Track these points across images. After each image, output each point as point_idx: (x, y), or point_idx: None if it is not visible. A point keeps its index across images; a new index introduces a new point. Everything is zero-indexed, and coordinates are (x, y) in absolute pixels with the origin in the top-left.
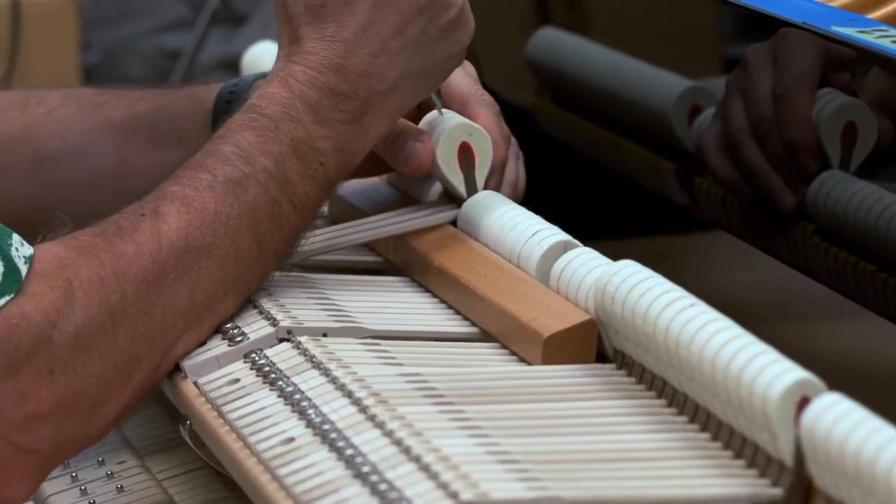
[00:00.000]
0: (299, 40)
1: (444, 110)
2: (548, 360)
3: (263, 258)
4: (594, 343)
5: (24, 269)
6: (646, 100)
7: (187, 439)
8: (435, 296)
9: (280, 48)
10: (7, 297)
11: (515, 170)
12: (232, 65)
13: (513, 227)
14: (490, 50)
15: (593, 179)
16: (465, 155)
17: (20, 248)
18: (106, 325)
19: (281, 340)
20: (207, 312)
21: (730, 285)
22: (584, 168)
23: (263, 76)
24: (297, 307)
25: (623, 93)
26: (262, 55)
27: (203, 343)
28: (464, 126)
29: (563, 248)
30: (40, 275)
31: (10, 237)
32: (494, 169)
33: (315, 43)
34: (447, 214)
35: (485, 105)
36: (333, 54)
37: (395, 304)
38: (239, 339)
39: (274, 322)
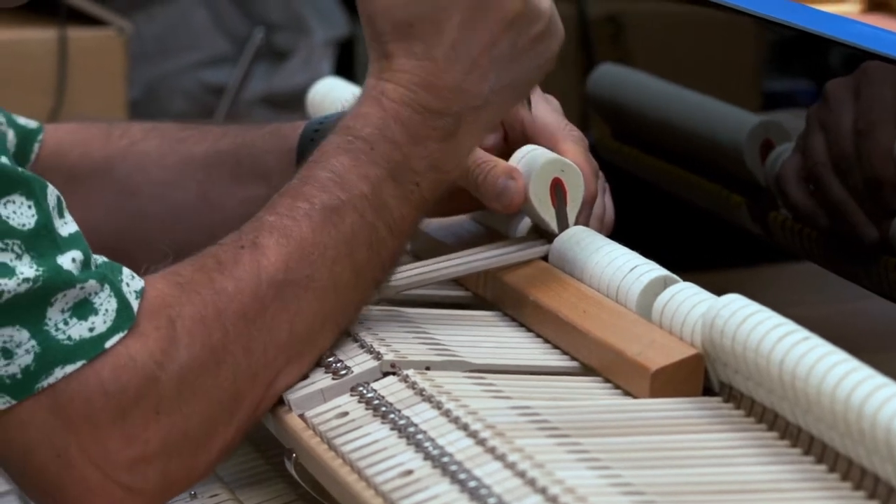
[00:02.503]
0: (389, 58)
1: (534, 146)
2: (655, 393)
3: (361, 287)
4: (701, 377)
5: (135, 304)
6: (715, 134)
7: (293, 472)
8: (529, 330)
9: (371, 65)
10: (121, 334)
11: (603, 203)
12: (274, 101)
13: (609, 262)
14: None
15: (656, 215)
16: (557, 191)
17: (130, 283)
18: (209, 363)
19: (385, 374)
20: (307, 345)
21: (810, 317)
22: (646, 203)
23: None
24: (398, 341)
25: (690, 128)
26: (329, 91)
27: (306, 376)
28: (556, 162)
29: (664, 283)
30: (146, 313)
31: (121, 272)
32: (585, 203)
33: (405, 61)
34: (539, 250)
35: (574, 140)
36: (424, 72)
37: (492, 338)
38: (343, 372)
39: (377, 356)
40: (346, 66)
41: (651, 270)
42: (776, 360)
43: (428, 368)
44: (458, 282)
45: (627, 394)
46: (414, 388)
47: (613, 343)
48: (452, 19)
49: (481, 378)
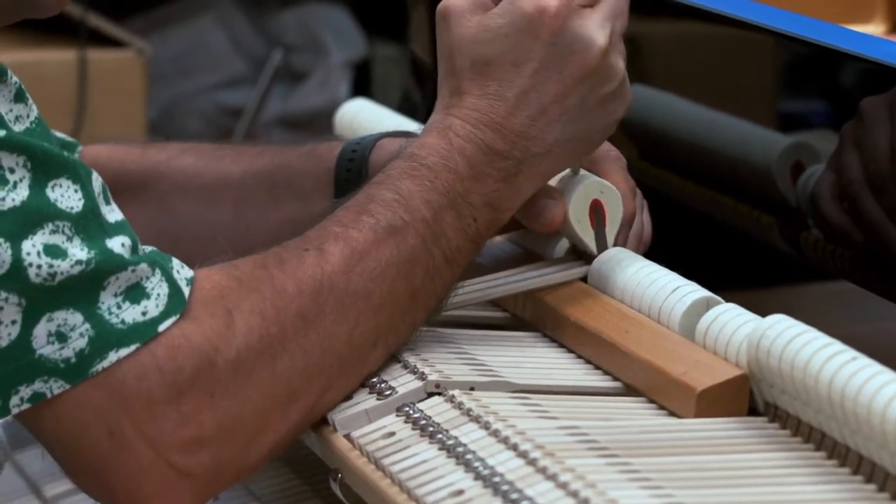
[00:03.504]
0: (461, 94)
1: (573, 167)
2: (701, 413)
3: (415, 310)
4: (746, 397)
5: (186, 290)
6: (745, 155)
7: (338, 492)
8: (570, 350)
9: (440, 99)
10: (173, 318)
11: (641, 221)
12: (291, 122)
13: (650, 283)
14: None
15: (683, 235)
16: (597, 212)
17: (181, 271)
18: (265, 355)
19: (430, 394)
20: (361, 359)
21: (848, 336)
22: (673, 223)
23: (386, 135)
24: (441, 361)
25: (720, 149)
26: (358, 112)
27: (349, 397)
28: (595, 184)
29: (707, 303)
30: (201, 301)
31: (171, 260)
32: (624, 224)
33: (477, 99)
34: (578, 271)
35: (613, 161)
36: (494, 113)
37: (534, 358)
38: (388, 392)
39: (421, 376)
40: (363, 88)
41: (694, 291)
42: (825, 379)
43: (472, 389)
44: (495, 303)
45: (672, 414)
46: (460, 409)
47: (658, 363)
48: (530, 64)
49: (526, 398)
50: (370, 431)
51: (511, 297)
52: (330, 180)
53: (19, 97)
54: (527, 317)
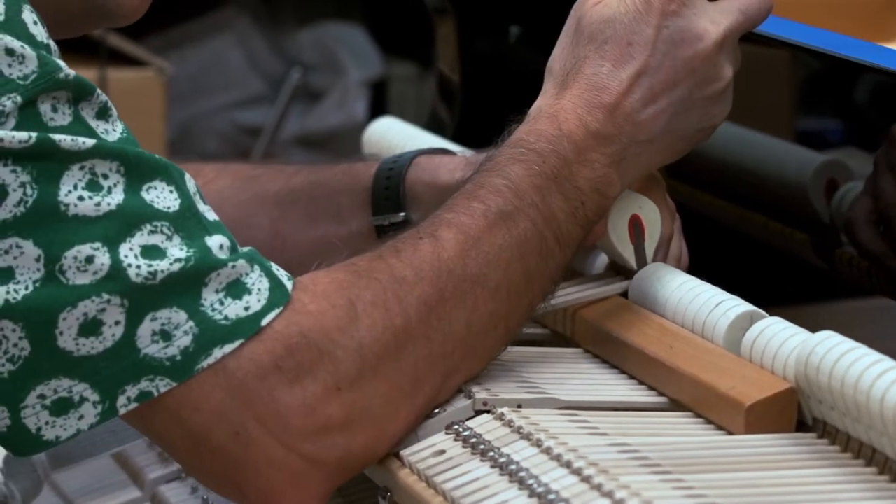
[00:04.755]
0: (576, 73)
1: None
2: (750, 428)
3: (530, 293)
4: (794, 411)
5: (288, 284)
6: (779, 174)
7: None
8: (613, 366)
9: (551, 79)
10: (278, 310)
11: (679, 244)
12: (309, 141)
13: (693, 297)
14: None
15: (717, 252)
16: (636, 227)
17: (280, 270)
18: (391, 346)
19: (478, 412)
20: (481, 343)
21: (886, 351)
22: (706, 240)
23: (422, 153)
24: (486, 379)
25: (752, 167)
26: (386, 130)
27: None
28: (634, 198)
29: (751, 318)
30: (320, 295)
31: (270, 262)
32: (662, 243)
33: (590, 80)
34: (618, 286)
35: (653, 181)
36: (606, 94)
37: (578, 374)
38: (436, 410)
39: (468, 394)
40: (380, 106)
41: (738, 305)
42: (876, 396)
43: (520, 406)
44: (535, 319)
45: (720, 428)
46: (510, 426)
47: (704, 378)
48: (644, 46)
49: (574, 415)
50: (420, 449)
51: (551, 314)
52: (367, 198)
53: (101, 114)
54: (567, 333)
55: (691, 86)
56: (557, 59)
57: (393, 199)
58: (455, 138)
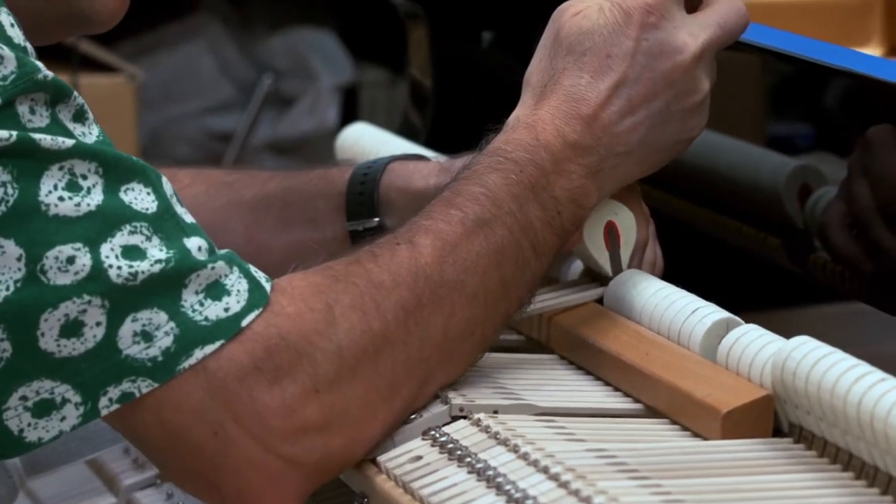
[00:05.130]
0: (554, 85)
1: None
2: (726, 434)
3: (507, 300)
4: (771, 418)
5: (266, 285)
6: (752, 179)
7: None
8: (589, 373)
9: (529, 90)
10: (257, 311)
11: (654, 249)
12: (280, 147)
13: (669, 304)
14: None
15: (689, 257)
16: (611, 233)
17: (259, 272)
18: (368, 349)
19: (454, 418)
20: (458, 349)
21: (862, 356)
22: (679, 245)
23: (396, 158)
24: (463, 385)
25: (725, 172)
26: (360, 136)
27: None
28: (609, 205)
29: (727, 325)
30: (298, 297)
31: (249, 264)
32: (637, 249)
33: (568, 91)
34: (593, 293)
35: (628, 186)
36: (584, 106)
37: (554, 381)
38: (413, 416)
39: (445, 399)
40: (351, 112)
41: (714, 312)
42: (853, 400)
43: (496, 412)
44: (510, 326)
45: (696, 435)
46: (487, 432)
47: (681, 385)
48: (623, 58)
49: (551, 421)
50: (397, 455)
51: (526, 320)
52: (341, 203)
53: (78, 117)
54: (543, 339)
55: (669, 98)
56: (535, 69)
57: (367, 204)
58: (427, 143)
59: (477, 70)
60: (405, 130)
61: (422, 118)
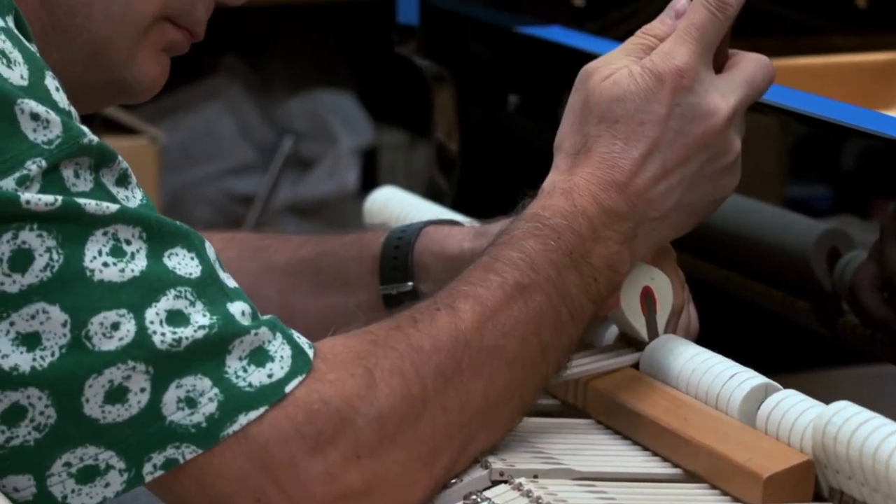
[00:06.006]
0: (587, 152)
1: None
2: (767, 500)
3: (545, 365)
4: (812, 483)
5: (309, 351)
6: (779, 243)
7: None
8: (626, 437)
9: (562, 155)
10: (300, 378)
11: (689, 314)
12: (300, 209)
13: (706, 369)
14: None
15: (719, 320)
16: (647, 299)
17: (301, 337)
18: (409, 415)
19: (495, 482)
20: (498, 414)
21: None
22: (709, 309)
23: (430, 223)
24: (502, 449)
25: (753, 235)
26: (388, 200)
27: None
28: (646, 270)
29: (765, 390)
30: (339, 363)
31: (291, 329)
32: (673, 313)
33: (602, 158)
34: (629, 358)
35: (663, 250)
36: (618, 173)
37: (592, 445)
38: (453, 481)
39: (485, 464)
40: (371, 175)
41: (752, 378)
42: (895, 465)
43: (536, 476)
44: (547, 390)
45: (737, 500)
46: (529, 497)
47: (721, 450)
48: (656, 124)
49: (591, 486)
50: None
51: (563, 385)
52: (375, 267)
53: (121, 181)
54: (579, 404)
55: (703, 161)
56: (567, 135)
57: (401, 268)
58: (454, 207)
59: (503, 133)
60: (431, 194)
61: (448, 181)
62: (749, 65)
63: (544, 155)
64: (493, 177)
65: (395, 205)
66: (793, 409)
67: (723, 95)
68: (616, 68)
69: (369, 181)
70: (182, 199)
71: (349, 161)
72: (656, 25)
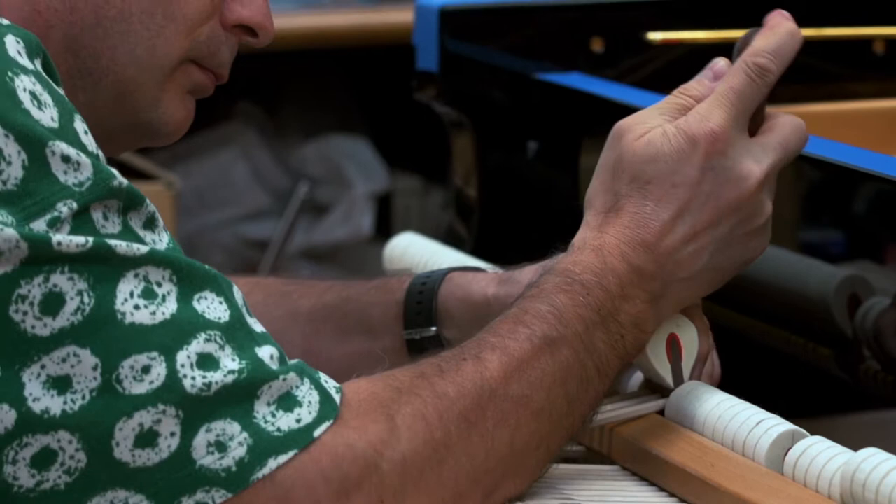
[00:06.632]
0: (617, 211)
1: None
2: None
3: (571, 418)
4: None
5: (336, 397)
6: (800, 289)
7: None
8: (652, 484)
9: (593, 212)
10: (327, 423)
11: (712, 360)
12: (315, 254)
13: (732, 416)
14: None
15: (740, 365)
16: (674, 346)
17: (329, 381)
18: (432, 459)
19: None
20: (524, 463)
21: None
22: (729, 354)
23: (454, 270)
24: (527, 496)
25: (773, 282)
26: (408, 246)
27: None
28: (672, 318)
29: (792, 436)
30: (362, 409)
31: (318, 373)
32: (698, 360)
33: (632, 218)
34: (654, 404)
35: None
36: (647, 233)
37: (618, 492)
38: None
39: None
40: (385, 220)
41: (779, 424)
42: None
43: None
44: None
45: None
46: None
47: (749, 496)
48: (688, 187)
49: None
50: None
51: (588, 431)
52: (399, 313)
53: (149, 224)
54: (605, 450)
55: (734, 224)
56: (598, 192)
57: (425, 313)
58: (473, 253)
59: (522, 179)
60: (450, 240)
61: (466, 227)
62: (784, 129)
63: (563, 202)
64: (512, 223)
65: (415, 251)
66: (820, 455)
67: (756, 160)
68: (650, 127)
69: (383, 226)
70: (197, 244)
71: (363, 206)
72: (693, 86)
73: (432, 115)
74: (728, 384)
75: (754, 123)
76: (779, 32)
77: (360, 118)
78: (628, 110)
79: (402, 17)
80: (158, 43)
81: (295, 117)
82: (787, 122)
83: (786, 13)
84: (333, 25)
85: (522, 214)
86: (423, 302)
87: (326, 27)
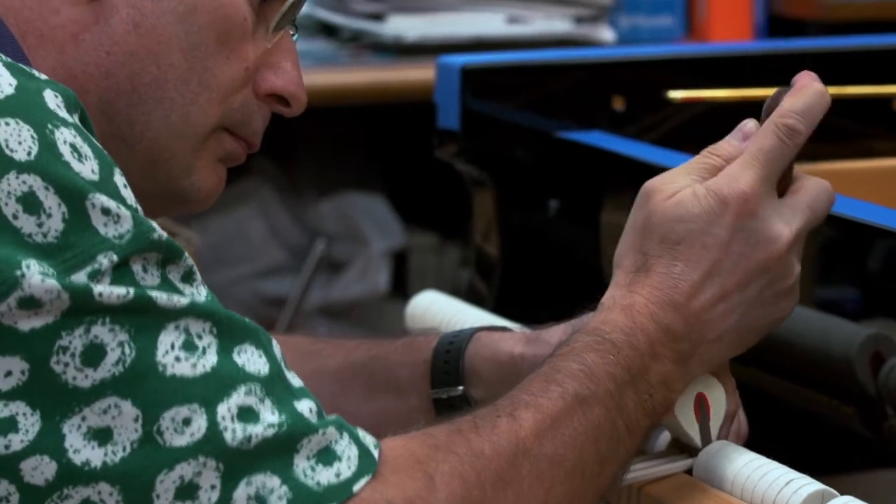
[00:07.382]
0: (647, 271)
1: None
2: None
3: (602, 476)
4: None
5: (375, 452)
6: (823, 347)
7: None
8: None
9: (622, 271)
10: (366, 478)
11: (738, 419)
12: (331, 311)
13: (762, 475)
14: None
15: (764, 424)
16: (701, 406)
17: (366, 437)
18: None
19: None
20: None
21: None
22: (754, 412)
23: (481, 329)
24: None
25: (795, 340)
26: (430, 304)
27: None
28: (700, 377)
29: (822, 496)
30: (399, 466)
31: (356, 428)
32: (726, 419)
33: (662, 278)
34: (682, 464)
35: None
36: (677, 293)
37: None
38: None
39: None
40: (401, 277)
41: (809, 484)
42: None
43: None
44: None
45: None
46: None
47: None
48: (718, 248)
49: None
50: None
51: (615, 490)
52: (426, 372)
53: (186, 278)
54: None
55: (763, 285)
56: (627, 252)
57: (452, 372)
58: (494, 311)
59: (543, 238)
60: (470, 297)
61: (487, 285)
62: (812, 190)
63: (584, 260)
64: (533, 281)
65: (437, 309)
66: None
67: (786, 222)
68: (680, 187)
69: (399, 283)
70: None
71: (380, 263)
72: (723, 146)
73: (449, 172)
74: (753, 442)
75: (782, 184)
76: (807, 93)
77: (376, 175)
78: (649, 168)
79: (416, 74)
80: (192, 110)
81: (311, 174)
82: (815, 183)
83: (813, 74)
84: (349, 83)
85: (543, 273)
86: (450, 361)
87: (342, 84)
